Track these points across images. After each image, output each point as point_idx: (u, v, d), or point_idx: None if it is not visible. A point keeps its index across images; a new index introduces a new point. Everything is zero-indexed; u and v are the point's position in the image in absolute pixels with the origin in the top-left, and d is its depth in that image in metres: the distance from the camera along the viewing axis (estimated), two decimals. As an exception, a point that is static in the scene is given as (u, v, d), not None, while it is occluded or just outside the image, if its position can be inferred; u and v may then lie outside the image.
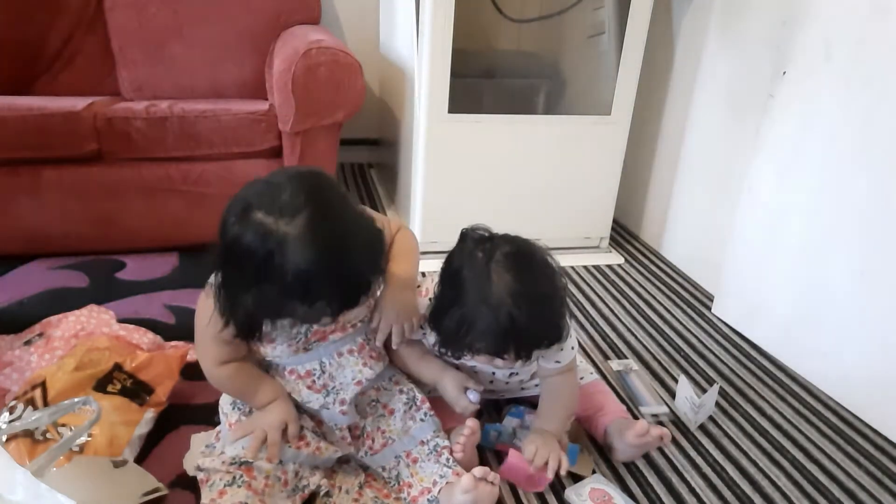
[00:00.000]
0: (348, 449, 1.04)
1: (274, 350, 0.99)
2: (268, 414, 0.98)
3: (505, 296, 0.92)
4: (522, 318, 0.92)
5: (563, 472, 1.04)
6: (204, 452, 1.02)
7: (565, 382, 1.12)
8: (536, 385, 1.18)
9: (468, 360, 1.10)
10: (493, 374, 1.14)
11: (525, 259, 0.97)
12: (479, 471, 0.94)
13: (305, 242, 0.79)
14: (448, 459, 1.02)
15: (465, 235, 1.01)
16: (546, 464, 1.02)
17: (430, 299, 1.06)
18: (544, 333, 0.98)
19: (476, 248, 0.98)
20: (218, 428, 1.07)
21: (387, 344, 1.06)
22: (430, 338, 1.08)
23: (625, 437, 1.09)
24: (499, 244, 0.97)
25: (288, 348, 0.99)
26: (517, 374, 1.15)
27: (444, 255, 1.05)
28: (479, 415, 1.13)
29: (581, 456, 1.13)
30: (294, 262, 0.79)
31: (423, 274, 1.16)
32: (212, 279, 0.91)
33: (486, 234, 1.00)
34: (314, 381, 1.02)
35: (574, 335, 1.10)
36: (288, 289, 0.81)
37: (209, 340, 0.95)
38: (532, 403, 1.19)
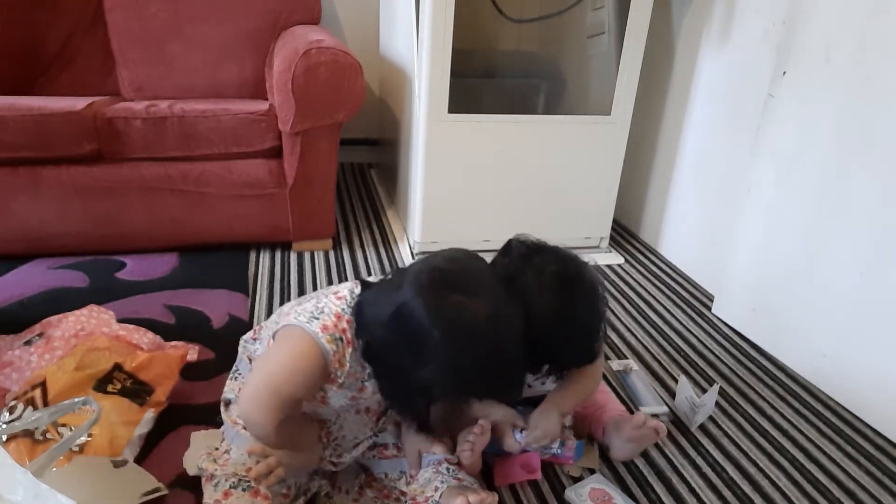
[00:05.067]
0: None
1: (332, 401, 0.93)
2: (294, 457, 0.91)
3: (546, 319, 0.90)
4: (559, 343, 0.92)
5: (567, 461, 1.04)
6: (209, 453, 1.01)
7: (588, 368, 1.10)
8: (542, 384, 1.18)
9: None
10: None
11: (570, 282, 0.94)
12: (475, 499, 0.91)
13: (513, 312, 0.82)
14: (448, 469, 1.00)
15: (511, 246, 0.98)
16: (535, 451, 1.04)
17: None
18: (578, 358, 0.98)
19: (524, 265, 0.94)
20: (222, 429, 1.06)
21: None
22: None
23: (622, 431, 1.10)
24: (547, 263, 0.94)
25: (344, 399, 0.92)
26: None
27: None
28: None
29: (587, 450, 1.14)
30: (512, 330, 0.81)
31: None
32: (289, 330, 0.86)
33: (534, 247, 0.97)
34: (324, 433, 0.98)
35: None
36: (516, 358, 0.84)
37: (280, 397, 0.84)
38: (532, 402, 1.19)
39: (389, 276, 0.92)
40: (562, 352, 0.94)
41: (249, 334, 1.13)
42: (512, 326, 0.82)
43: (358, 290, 0.90)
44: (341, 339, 0.85)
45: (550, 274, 0.92)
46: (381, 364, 0.86)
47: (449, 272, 0.84)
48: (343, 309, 0.87)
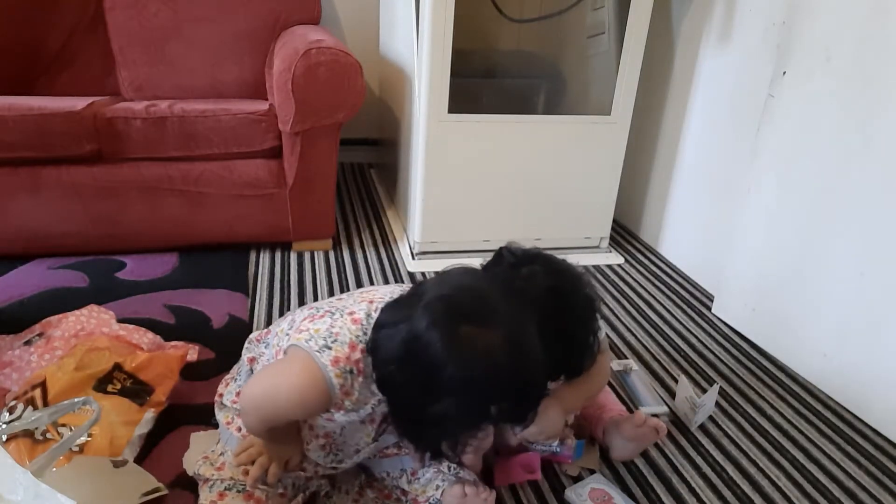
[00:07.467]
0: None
1: (338, 420, 0.89)
2: (280, 447, 0.92)
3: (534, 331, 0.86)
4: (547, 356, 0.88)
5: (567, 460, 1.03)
6: (206, 457, 1.01)
7: (593, 369, 1.04)
8: None
9: None
10: None
11: (561, 295, 0.90)
12: (471, 490, 0.92)
13: (529, 335, 0.77)
14: (449, 467, 1.00)
15: (502, 255, 0.94)
16: (535, 451, 1.02)
17: None
18: (567, 371, 0.96)
19: (514, 275, 0.89)
20: (219, 430, 1.06)
21: None
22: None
23: (622, 429, 1.10)
24: (536, 274, 0.89)
25: (349, 419, 0.88)
26: None
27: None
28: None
29: (587, 449, 1.13)
30: (530, 355, 0.77)
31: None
32: (313, 354, 0.81)
33: (525, 256, 0.92)
34: (328, 442, 0.96)
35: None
36: (538, 381, 0.80)
37: (267, 420, 0.85)
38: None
39: (405, 294, 0.87)
40: (551, 364, 0.91)
41: (255, 335, 1.10)
42: (531, 350, 0.78)
43: (375, 314, 0.86)
44: (352, 371, 0.81)
45: (540, 287, 0.88)
46: (396, 398, 0.83)
47: (459, 299, 0.79)
48: (358, 336, 0.83)
